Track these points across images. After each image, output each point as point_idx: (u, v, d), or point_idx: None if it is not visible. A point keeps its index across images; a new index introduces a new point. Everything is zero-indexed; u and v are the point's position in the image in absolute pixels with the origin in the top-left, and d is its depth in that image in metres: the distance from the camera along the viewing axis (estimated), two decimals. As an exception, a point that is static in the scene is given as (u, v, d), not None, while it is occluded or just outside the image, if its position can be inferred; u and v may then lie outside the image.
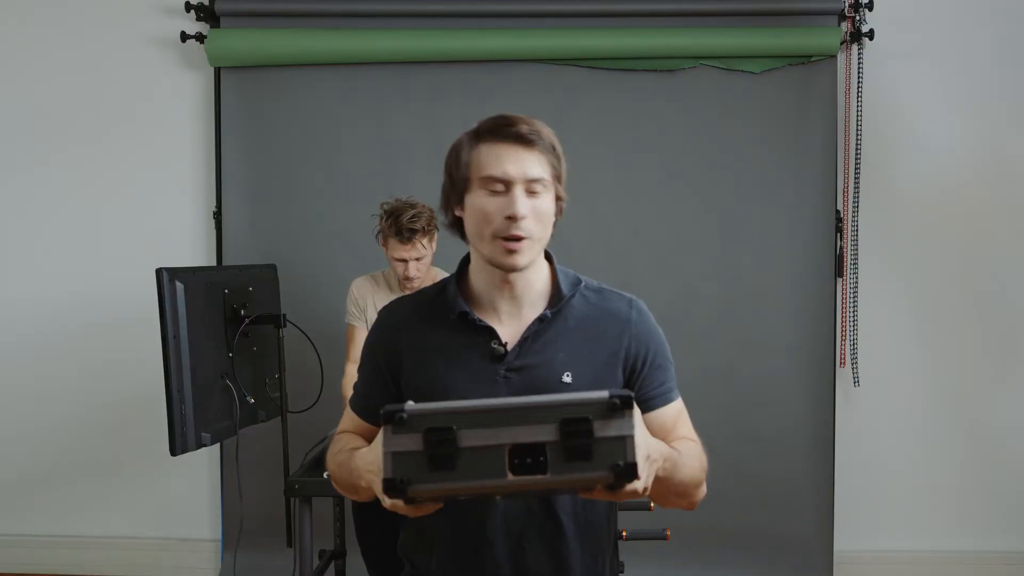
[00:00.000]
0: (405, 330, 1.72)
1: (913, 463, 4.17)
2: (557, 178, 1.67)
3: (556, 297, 1.71)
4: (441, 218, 1.85)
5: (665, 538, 2.77)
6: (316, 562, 2.85)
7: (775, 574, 4.03)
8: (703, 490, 1.71)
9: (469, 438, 1.32)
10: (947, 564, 4.13)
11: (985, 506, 4.15)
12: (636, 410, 1.39)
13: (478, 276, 1.72)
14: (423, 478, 1.32)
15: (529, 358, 1.67)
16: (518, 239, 1.60)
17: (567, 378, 1.65)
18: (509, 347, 1.67)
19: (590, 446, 1.33)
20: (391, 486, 1.33)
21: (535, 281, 1.71)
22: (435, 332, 1.70)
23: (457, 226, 1.76)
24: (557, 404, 1.35)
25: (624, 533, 2.71)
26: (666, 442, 1.61)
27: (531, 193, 1.63)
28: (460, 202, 1.73)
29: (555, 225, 1.69)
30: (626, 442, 1.33)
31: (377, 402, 1.61)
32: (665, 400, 1.76)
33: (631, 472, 1.33)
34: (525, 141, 1.63)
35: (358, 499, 1.63)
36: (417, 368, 1.69)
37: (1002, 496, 4.14)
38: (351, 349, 3.34)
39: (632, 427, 1.34)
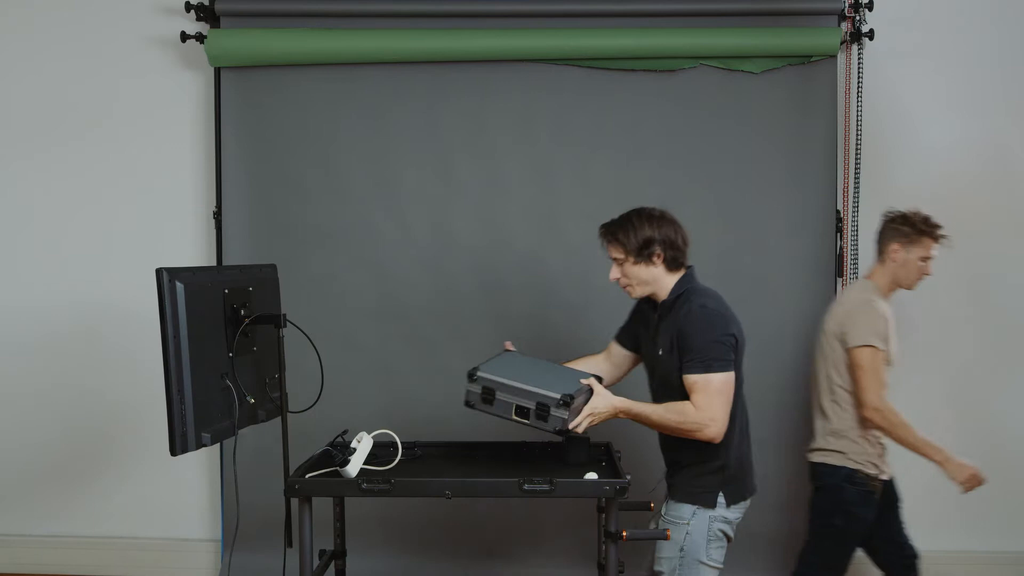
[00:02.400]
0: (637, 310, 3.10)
1: (913, 463, 4.15)
2: (628, 252, 2.88)
3: (663, 304, 2.91)
4: None
5: (665, 538, 2.77)
6: (316, 562, 2.84)
7: (775, 574, 4.03)
8: (699, 433, 2.74)
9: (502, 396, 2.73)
10: (947, 564, 4.13)
11: (985, 506, 4.14)
12: (598, 390, 2.77)
13: None
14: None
15: (654, 339, 2.93)
16: (623, 287, 2.95)
17: (660, 352, 2.87)
18: (650, 330, 2.95)
19: (547, 416, 2.69)
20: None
21: (660, 295, 2.93)
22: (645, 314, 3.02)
23: None
24: (539, 393, 2.70)
25: (624, 533, 2.70)
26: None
27: (619, 264, 2.91)
28: None
29: (670, 265, 2.90)
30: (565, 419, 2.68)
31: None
32: (685, 371, 2.79)
33: (564, 432, 2.71)
34: (607, 239, 2.93)
35: None
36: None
37: (1002, 496, 4.14)
38: (879, 376, 3.34)
39: (564, 416, 2.67)
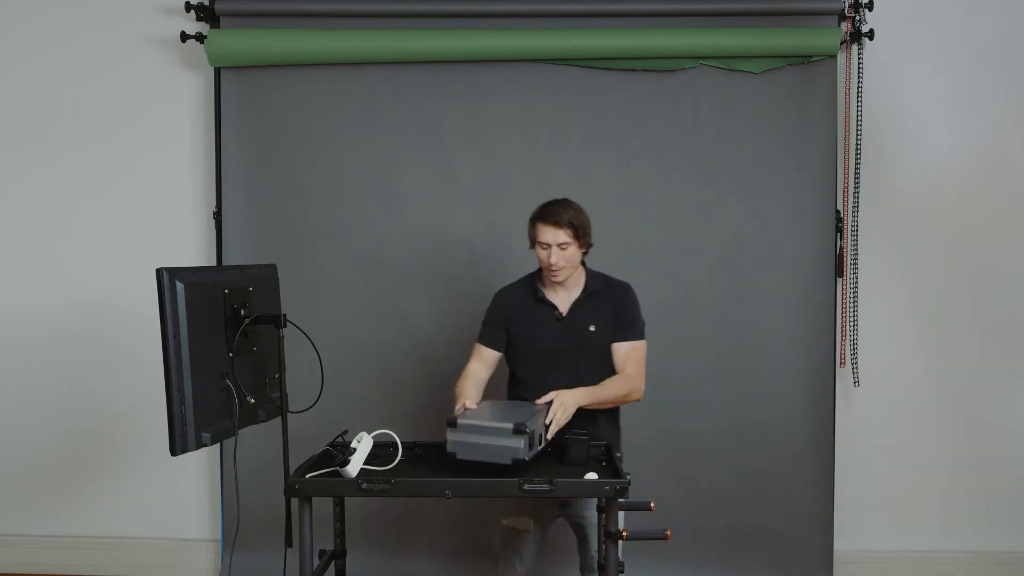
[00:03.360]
0: (515, 303, 3.20)
1: (913, 463, 4.17)
2: (577, 236, 3.03)
3: (587, 287, 3.15)
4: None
5: (665, 538, 2.77)
6: (316, 562, 2.84)
7: (775, 574, 4.03)
8: (635, 396, 3.11)
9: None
10: (947, 564, 4.13)
11: (985, 506, 4.16)
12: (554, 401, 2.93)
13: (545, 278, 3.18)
14: None
15: (574, 318, 3.13)
16: (557, 271, 3.08)
17: (592, 328, 3.11)
18: (564, 312, 3.13)
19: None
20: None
21: (574, 278, 3.16)
22: (528, 304, 3.18)
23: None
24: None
25: (624, 533, 2.70)
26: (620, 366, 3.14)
27: (562, 248, 3.03)
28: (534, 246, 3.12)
29: (586, 253, 3.14)
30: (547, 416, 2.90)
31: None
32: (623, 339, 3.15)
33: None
34: (559, 225, 3.01)
35: None
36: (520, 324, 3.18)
37: (1002, 496, 4.15)
38: None
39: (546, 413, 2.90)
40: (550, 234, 3.02)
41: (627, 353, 3.13)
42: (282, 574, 2.89)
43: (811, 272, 4.02)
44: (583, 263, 3.18)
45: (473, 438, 2.74)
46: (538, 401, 2.95)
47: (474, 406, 2.93)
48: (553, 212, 3.04)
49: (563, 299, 3.15)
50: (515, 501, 3.11)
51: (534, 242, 3.09)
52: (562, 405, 2.92)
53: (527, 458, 2.69)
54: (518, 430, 2.68)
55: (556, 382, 3.03)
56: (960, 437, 4.15)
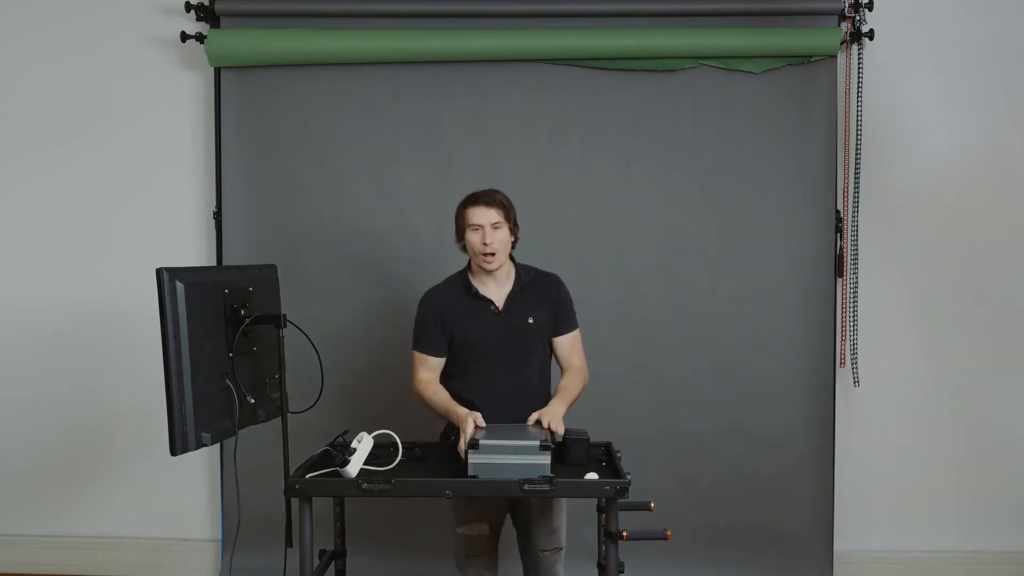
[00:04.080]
0: (449, 303, 3.14)
1: (912, 463, 4.17)
2: (508, 218, 3.08)
3: (519, 279, 3.16)
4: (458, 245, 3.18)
5: (665, 538, 2.77)
6: (316, 562, 2.84)
7: (775, 574, 4.03)
8: (586, 383, 3.17)
9: None
10: (947, 564, 4.13)
11: (984, 506, 4.15)
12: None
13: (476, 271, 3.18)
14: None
15: (511, 311, 3.12)
16: (490, 255, 3.06)
17: (531, 320, 3.11)
18: (500, 306, 3.12)
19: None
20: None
21: (505, 269, 3.14)
22: (462, 301, 3.13)
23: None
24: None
25: (624, 533, 2.70)
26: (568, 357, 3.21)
27: (496, 228, 3.05)
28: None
29: (514, 246, 3.16)
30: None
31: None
32: (567, 330, 3.21)
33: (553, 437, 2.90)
34: (491, 205, 3.05)
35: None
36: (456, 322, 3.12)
37: (1001, 496, 4.15)
38: None
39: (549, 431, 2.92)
40: (482, 214, 3.03)
41: (571, 345, 3.19)
42: (282, 574, 2.89)
43: (811, 272, 4.02)
44: (511, 257, 3.17)
45: (498, 458, 2.71)
46: (529, 424, 2.96)
47: (483, 424, 2.89)
48: (482, 194, 3.09)
49: (496, 293, 3.14)
50: (466, 508, 3.12)
51: (463, 231, 3.08)
52: (556, 422, 2.94)
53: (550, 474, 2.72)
54: (544, 447, 2.71)
55: (495, 377, 3.06)
56: (960, 437, 4.15)
